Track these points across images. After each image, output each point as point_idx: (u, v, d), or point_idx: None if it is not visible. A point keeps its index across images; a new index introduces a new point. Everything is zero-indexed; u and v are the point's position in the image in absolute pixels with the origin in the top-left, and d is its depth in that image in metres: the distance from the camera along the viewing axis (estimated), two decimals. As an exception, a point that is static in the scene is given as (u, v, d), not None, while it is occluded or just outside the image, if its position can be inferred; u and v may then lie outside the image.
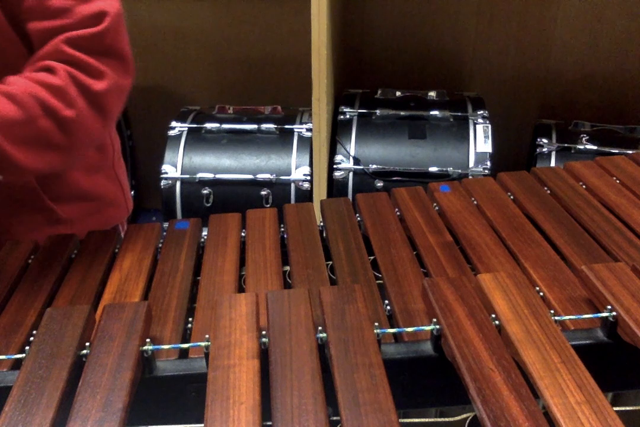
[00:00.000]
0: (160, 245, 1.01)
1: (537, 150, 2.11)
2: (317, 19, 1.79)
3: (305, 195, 2.06)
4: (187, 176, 2.07)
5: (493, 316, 0.72)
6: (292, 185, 2.06)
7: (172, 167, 2.09)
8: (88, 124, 0.86)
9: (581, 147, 2.08)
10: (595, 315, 0.74)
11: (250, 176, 2.06)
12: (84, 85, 0.85)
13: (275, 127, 2.13)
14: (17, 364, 0.73)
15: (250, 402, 0.61)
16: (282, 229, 1.03)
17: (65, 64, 0.84)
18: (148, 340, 0.71)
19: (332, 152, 2.08)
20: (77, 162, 1.02)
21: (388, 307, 0.82)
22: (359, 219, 1.06)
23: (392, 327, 0.79)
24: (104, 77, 0.86)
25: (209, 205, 2.09)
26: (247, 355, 0.67)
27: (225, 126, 2.15)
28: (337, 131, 2.11)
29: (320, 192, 2.04)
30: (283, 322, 0.72)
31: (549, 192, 1.10)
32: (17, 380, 0.66)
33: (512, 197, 1.09)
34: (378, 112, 2.13)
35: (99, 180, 1.09)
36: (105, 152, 1.10)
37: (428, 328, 0.72)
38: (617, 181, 1.11)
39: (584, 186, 1.11)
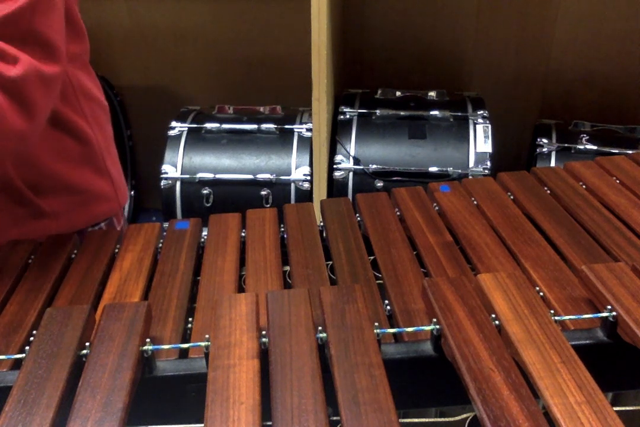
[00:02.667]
0: (160, 245, 1.01)
1: (537, 150, 2.11)
2: (317, 19, 1.79)
3: (305, 195, 2.06)
4: (187, 176, 2.07)
5: (493, 316, 0.72)
6: (292, 185, 2.06)
7: (172, 167, 2.09)
8: (4, 116, 0.77)
9: (581, 147, 2.08)
10: (595, 315, 0.74)
11: (250, 176, 2.06)
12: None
13: (275, 127, 2.13)
14: (17, 364, 0.73)
15: (250, 402, 0.61)
16: (282, 229, 1.03)
17: None
18: (148, 340, 0.71)
19: (332, 152, 2.07)
20: (59, 154, 0.98)
21: (388, 307, 0.82)
22: (359, 219, 1.06)
23: (392, 327, 0.79)
24: (17, 63, 0.78)
25: (209, 205, 2.09)
26: (247, 355, 0.67)
27: (225, 126, 2.15)
28: (337, 131, 2.11)
29: (320, 192, 2.04)
30: (283, 322, 0.72)
31: (549, 192, 1.10)
32: (17, 380, 0.66)
33: (512, 197, 1.09)
34: (378, 112, 2.13)
35: (85, 173, 1.05)
36: (88, 144, 1.05)
37: (428, 328, 0.72)
38: (617, 181, 1.11)
39: (584, 186, 1.11)
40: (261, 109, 2.27)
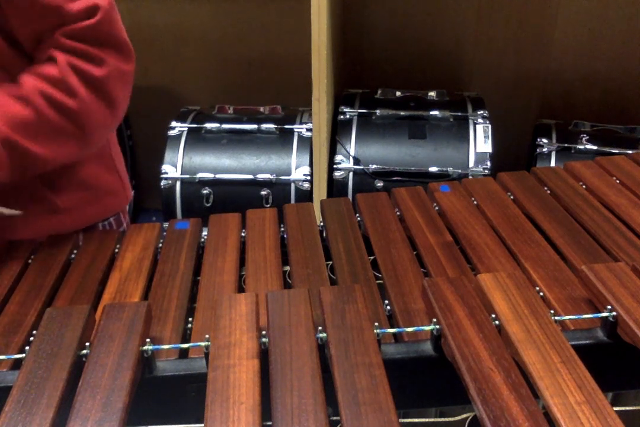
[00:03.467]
0: (160, 245, 1.01)
1: (537, 150, 2.11)
2: (317, 19, 1.79)
3: (305, 195, 2.06)
4: (187, 176, 2.08)
5: (493, 316, 0.72)
6: (292, 185, 2.06)
7: (172, 167, 2.09)
8: (94, 110, 0.89)
9: (581, 147, 2.08)
10: (595, 315, 0.74)
11: (250, 176, 2.06)
12: (84, 72, 0.88)
13: (275, 127, 2.13)
14: (17, 364, 0.73)
15: (250, 402, 0.61)
16: (282, 229, 1.03)
17: (66, 53, 0.87)
18: (148, 340, 0.71)
19: (332, 152, 2.08)
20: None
21: (388, 307, 0.82)
22: (359, 219, 1.06)
23: (392, 327, 0.79)
24: (104, 64, 0.89)
25: (209, 205, 2.09)
26: (247, 355, 0.67)
27: (225, 126, 2.15)
28: (337, 131, 2.11)
29: (320, 192, 2.04)
30: (283, 322, 0.72)
31: (549, 192, 1.10)
32: (17, 380, 0.66)
33: (512, 197, 1.09)
34: (378, 112, 2.13)
35: (96, 170, 1.09)
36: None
37: (428, 328, 0.72)
38: (617, 181, 1.11)
39: (584, 186, 1.11)
40: (261, 109, 2.27)
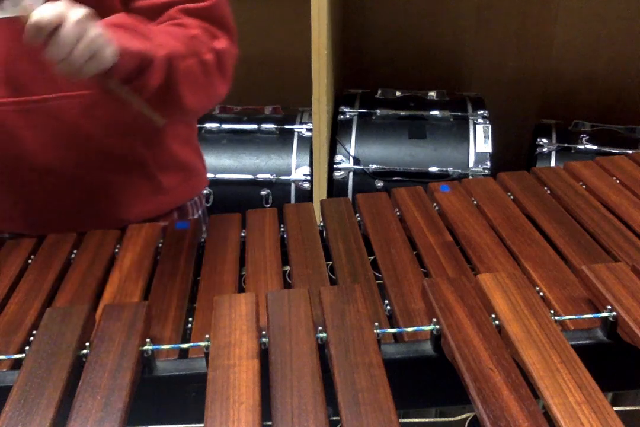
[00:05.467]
0: (160, 245, 1.01)
1: (537, 150, 2.11)
2: (317, 19, 1.79)
3: (305, 195, 2.06)
4: (187, 176, 2.07)
5: (493, 316, 0.72)
6: (292, 185, 2.06)
7: (172, 167, 2.09)
8: (215, 80, 0.94)
9: (581, 147, 2.08)
10: (595, 315, 0.74)
11: (250, 176, 2.06)
12: (208, 43, 0.92)
13: (275, 127, 2.13)
14: (17, 364, 0.73)
15: (250, 402, 0.61)
16: (282, 229, 1.03)
17: (191, 26, 0.91)
18: (148, 340, 0.71)
19: (332, 152, 2.07)
20: (176, 135, 1.10)
21: (388, 307, 0.82)
22: (359, 219, 1.06)
23: (392, 327, 0.79)
24: (220, 39, 0.94)
25: (209, 205, 2.09)
26: (247, 355, 0.67)
27: (225, 126, 2.14)
28: (337, 131, 2.10)
29: (320, 192, 2.04)
30: (283, 322, 0.72)
31: (549, 192, 1.10)
32: (17, 380, 0.66)
33: (512, 197, 1.09)
34: (378, 112, 2.13)
35: (189, 152, 1.15)
36: (192, 126, 1.19)
37: (428, 328, 0.72)
38: (617, 181, 1.11)
39: (584, 186, 1.11)
40: (262, 108, 2.26)
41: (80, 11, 0.75)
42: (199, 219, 1.14)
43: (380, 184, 2.01)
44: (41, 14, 0.73)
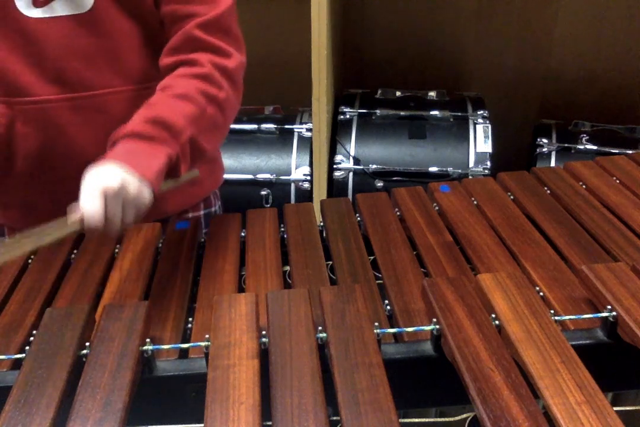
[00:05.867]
0: (160, 245, 1.01)
1: (537, 150, 2.10)
2: (317, 19, 1.79)
3: (305, 196, 2.06)
4: (187, 176, 2.07)
5: (493, 316, 0.72)
6: (292, 185, 2.06)
7: (172, 167, 2.09)
8: (232, 100, 0.98)
9: (581, 147, 2.08)
10: (595, 315, 0.74)
11: (250, 176, 2.05)
12: (222, 66, 0.96)
13: (275, 127, 2.12)
14: (17, 364, 0.73)
15: (250, 402, 0.61)
16: (282, 229, 1.03)
17: (203, 52, 0.95)
18: (148, 340, 0.71)
19: (332, 152, 2.07)
20: None
21: (388, 307, 0.82)
22: (359, 219, 1.06)
23: (392, 327, 0.79)
24: (232, 56, 0.98)
25: (209, 205, 2.09)
26: (247, 355, 0.67)
27: (225, 126, 2.14)
28: (337, 131, 2.10)
29: (320, 192, 2.04)
30: (283, 322, 0.72)
31: (549, 192, 1.10)
32: (17, 380, 0.66)
33: (512, 197, 1.09)
34: (378, 112, 2.13)
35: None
36: None
37: (428, 328, 0.72)
38: (617, 181, 1.11)
39: (584, 186, 1.11)
40: (262, 108, 2.26)
41: (113, 187, 0.79)
42: (199, 219, 1.14)
43: (380, 184, 2.01)
44: (90, 222, 0.78)
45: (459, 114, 2.11)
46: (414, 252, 0.95)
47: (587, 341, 0.73)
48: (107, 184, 0.79)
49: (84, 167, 1.01)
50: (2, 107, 0.98)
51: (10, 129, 1.00)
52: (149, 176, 0.83)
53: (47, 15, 0.93)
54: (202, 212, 1.19)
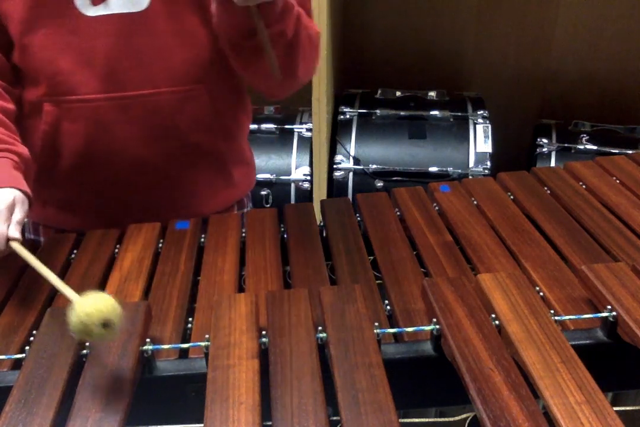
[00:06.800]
0: (160, 245, 1.01)
1: (537, 150, 2.11)
2: (317, 19, 1.78)
3: (305, 196, 2.06)
4: (187, 176, 2.07)
5: (493, 316, 0.72)
6: (292, 185, 2.06)
7: (172, 167, 2.09)
8: (316, 58, 1.05)
9: (581, 147, 2.08)
10: (595, 315, 0.74)
11: (250, 176, 2.05)
12: (309, 22, 1.01)
13: (275, 127, 2.12)
14: (17, 364, 0.73)
15: (250, 402, 0.61)
16: (282, 229, 1.03)
17: None
18: (148, 340, 0.71)
19: (332, 152, 2.07)
20: (244, 131, 1.18)
21: (388, 307, 0.82)
22: (359, 219, 1.06)
23: (392, 327, 0.79)
24: (313, 25, 1.03)
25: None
26: (247, 355, 0.67)
27: (226, 126, 2.14)
28: (337, 131, 2.10)
29: (320, 192, 2.04)
30: (283, 322, 0.72)
31: (549, 192, 1.10)
32: (18, 380, 0.66)
33: (512, 197, 1.09)
34: (378, 112, 2.13)
35: (249, 147, 1.23)
36: (249, 124, 1.23)
37: (428, 328, 0.72)
38: (617, 181, 1.11)
39: (584, 186, 1.11)
40: (263, 108, 2.26)
41: None
42: (199, 219, 1.14)
43: (380, 184, 2.01)
44: None
45: (459, 114, 2.11)
46: (414, 252, 0.95)
47: (587, 341, 0.73)
48: None
49: (126, 166, 1.04)
50: (48, 106, 0.99)
51: (57, 128, 1.00)
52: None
53: (103, 13, 0.94)
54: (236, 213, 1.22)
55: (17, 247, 0.83)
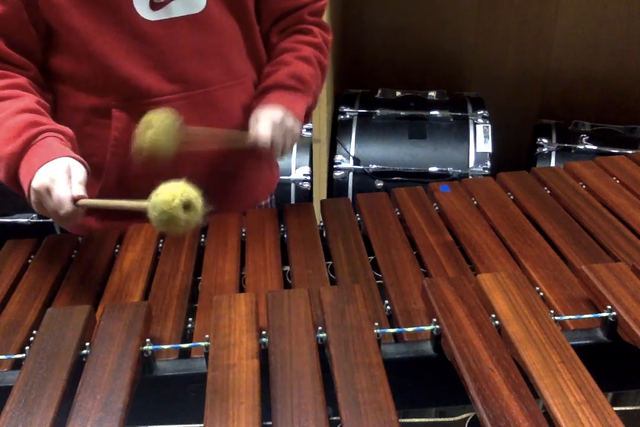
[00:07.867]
0: (160, 245, 1.01)
1: (537, 150, 2.11)
2: (317, 19, 1.78)
3: (305, 196, 2.05)
4: (187, 176, 2.07)
5: (493, 316, 0.72)
6: (292, 185, 2.06)
7: (172, 167, 2.08)
8: (326, 67, 1.16)
9: (581, 147, 2.08)
10: (595, 315, 0.74)
11: (250, 176, 2.05)
12: (326, 39, 1.14)
13: (275, 127, 2.12)
14: (17, 364, 0.73)
15: (250, 402, 0.61)
16: (282, 229, 1.03)
17: (314, 26, 1.12)
18: (148, 340, 0.71)
19: (332, 152, 2.07)
20: None
21: (388, 307, 0.82)
22: (359, 219, 1.06)
23: (392, 327, 0.79)
24: (329, 31, 1.16)
25: (208, 205, 2.08)
26: (247, 355, 0.67)
27: (225, 126, 2.14)
28: (337, 131, 2.10)
29: (320, 192, 2.04)
30: (283, 322, 0.72)
31: (549, 192, 1.10)
32: (18, 380, 0.66)
33: (512, 197, 1.09)
34: (378, 112, 2.13)
35: None
36: None
37: (428, 328, 0.72)
38: (617, 181, 1.11)
39: (584, 186, 1.11)
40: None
41: (279, 119, 1.01)
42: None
43: (380, 184, 2.01)
44: (261, 142, 0.99)
45: (459, 114, 2.11)
46: (414, 252, 0.95)
47: (587, 341, 0.73)
48: (274, 116, 1.01)
49: (199, 165, 1.07)
50: (117, 111, 1.00)
51: (127, 132, 0.99)
52: (299, 115, 1.06)
53: (165, 17, 0.97)
54: (268, 200, 1.28)
55: (85, 202, 0.82)
